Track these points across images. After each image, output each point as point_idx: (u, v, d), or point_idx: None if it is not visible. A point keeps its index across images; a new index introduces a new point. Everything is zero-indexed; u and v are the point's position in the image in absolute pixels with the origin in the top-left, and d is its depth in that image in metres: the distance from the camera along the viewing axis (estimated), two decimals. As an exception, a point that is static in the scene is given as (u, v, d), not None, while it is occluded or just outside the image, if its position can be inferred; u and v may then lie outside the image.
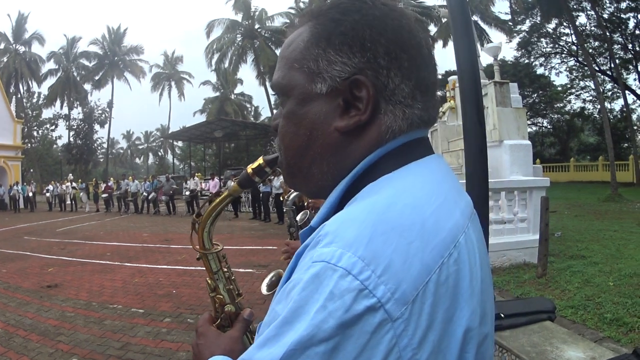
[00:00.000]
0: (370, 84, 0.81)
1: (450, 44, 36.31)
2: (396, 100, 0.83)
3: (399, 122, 0.83)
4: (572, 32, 38.15)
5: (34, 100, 62.74)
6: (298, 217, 3.61)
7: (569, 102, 47.70)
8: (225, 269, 1.32)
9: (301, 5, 47.20)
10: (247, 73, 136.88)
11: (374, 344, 0.62)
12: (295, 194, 3.42)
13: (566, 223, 14.10)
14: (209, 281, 1.30)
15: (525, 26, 42.89)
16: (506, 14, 42.87)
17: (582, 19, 38.34)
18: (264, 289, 2.38)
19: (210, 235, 1.29)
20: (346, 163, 0.85)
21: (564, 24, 39.03)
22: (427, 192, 0.77)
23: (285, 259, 3.13)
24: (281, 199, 6.88)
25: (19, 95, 57.89)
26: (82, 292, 8.87)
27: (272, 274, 2.47)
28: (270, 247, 13.07)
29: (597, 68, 37.42)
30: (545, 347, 3.85)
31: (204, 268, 1.30)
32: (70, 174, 43.07)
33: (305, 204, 3.69)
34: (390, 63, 0.82)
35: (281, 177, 16.85)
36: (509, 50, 44.20)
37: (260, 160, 1.17)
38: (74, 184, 34.61)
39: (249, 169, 1.19)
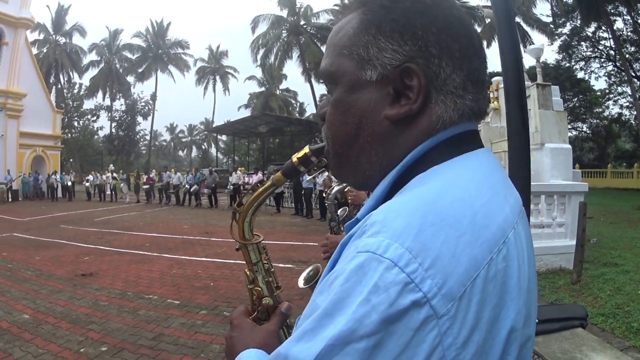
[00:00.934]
0: (421, 72, 0.80)
1: (494, 44, 35.93)
2: (447, 90, 0.81)
3: (450, 113, 0.82)
4: (610, 36, 38.46)
5: (75, 91, 64.48)
6: (339, 212, 3.61)
7: (607, 107, 47.51)
8: (265, 261, 1.29)
9: (346, 2, 47.19)
10: (292, 69, 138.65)
11: (417, 342, 0.60)
12: (337, 188, 3.48)
13: (601, 230, 14.03)
14: (248, 272, 1.27)
15: (566, 29, 42.89)
16: (547, 16, 42.93)
17: (619, 23, 38.47)
18: (300, 283, 2.32)
19: (251, 226, 1.27)
20: (395, 153, 0.84)
21: (602, 28, 39.13)
22: (478, 185, 0.76)
23: (324, 252, 3.14)
24: (324, 195, 6.78)
25: (59, 86, 59.51)
26: (118, 281, 8.90)
27: (310, 268, 2.35)
28: (311, 244, 12.96)
29: (633, 74, 37.50)
30: (575, 354, 4.11)
31: (243, 259, 1.28)
32: (111, 165, 43.92)
33: (349, 200, 3.67)
34: (441, 52, 0.81)
35: (325, 173, 17.21)
36: (551, 53, 43.83)
37: (306, 150, 1.16)
38: (115, 175, 35.15)
39: (294, 158, 1.17)
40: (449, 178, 0.76)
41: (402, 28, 0.81)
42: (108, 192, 33.83)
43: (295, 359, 0.65)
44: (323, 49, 49.68)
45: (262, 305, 1.22)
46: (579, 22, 40.21)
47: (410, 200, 0.71)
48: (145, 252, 12.07)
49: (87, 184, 35.03)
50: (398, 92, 0.82)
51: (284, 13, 50.20)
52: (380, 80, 0.82)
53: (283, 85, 66.57)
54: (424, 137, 0.82)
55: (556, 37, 43.02)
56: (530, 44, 36.00)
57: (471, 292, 0.63)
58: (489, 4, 36.64)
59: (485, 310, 0.64)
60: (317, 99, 51.99)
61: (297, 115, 65.44)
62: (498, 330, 0.66)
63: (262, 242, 1.29)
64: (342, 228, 3.33)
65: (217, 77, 72.17)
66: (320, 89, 65.41)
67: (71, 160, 59.11)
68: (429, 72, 0.80)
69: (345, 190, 3.65)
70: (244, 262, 1.27)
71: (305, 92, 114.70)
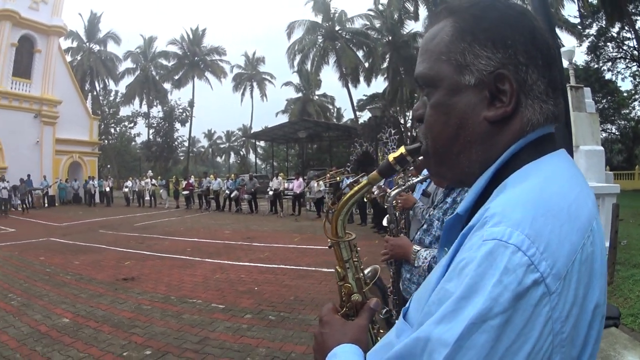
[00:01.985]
0: (512, 78, 0.89)
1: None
2: (534, 96, 0.90)
3: (537, 116, 0.91)
4: (633, 36, 38.64)
5: (111, 98, 65.90)
6: (384, 221, 3.69)
7: (633, 108, 47.25)
8: (355, 259, 1.33)
9: (380, 7, 48.01)
10: (329, 74, 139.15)
11: (536, 315, 0.70)
12: (396, 191, 3.51)
13: (631, 231, 14.08)
14: (339, 269, 1.32)
15: (593, 30, 42.71)
16: (575, 17, 42.66)
17: (640, 23, 38.42)
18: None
19: (344, 224, 1.32)
20: (492, 151, 0.93)
21: (626, 28, 39.15)
22: (569, 182, 0.87)
23: (384, 254, 3.16)
24: (364, 200, 6.82)
25: (95, 93, 60.65)
26: (161, 285, 8.91)
27: (368, 269, 2.17)
28: None
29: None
30: (609, 352, 4.39)
31: (335, 256, 1.32)
32: (150, 171, 44.36)
33: (390, 204, 3.55)
34: (528, 60, 0.89)
35: (365, 178, 17.80)
36: (580, 54, 43.34)
37: (402, 150, 1.19)
38: (154, 181, 35.55)
39: (391, 157, 1.20)
40: (546, 176, 0.85)
41: (494, 37, 0.90)
42: (147, 197, 34.39)
43: (439, 340, 0.72)
44: (359, 54, 49.90)
45: (351, 301, 1.27)
46: (604, 22, 40.34)
47: (520, 195, 0.81)
48: (188, 257, 12.12)
49: (126, 190, 35.78)
50: (493, 96, 0.90)
51: (319, 19, 50.41)
52: (477, 84, 0.91)
53: (320, 91, 66.67)
54: (515, 138, 0.91)
55: (584, 38, 42.98)
56: (560, 46, 35.85)
57: (571, 272, 0.74)
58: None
59: (580, 288, 0.74)
60: (355, 103, 52.08)
61: (334, 120, 65.52)
62: (587, 306, 0.76)
63: (355, 238, 1.32)
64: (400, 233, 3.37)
65: (254, 84, 72.62)
66: (357, 94, 65.36)
67: (108, 166, 60.13)
68: (518, 78, 0.89)
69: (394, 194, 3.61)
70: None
71: (341, 97, 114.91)
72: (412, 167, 2.84)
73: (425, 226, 2.98)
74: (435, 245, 2.83)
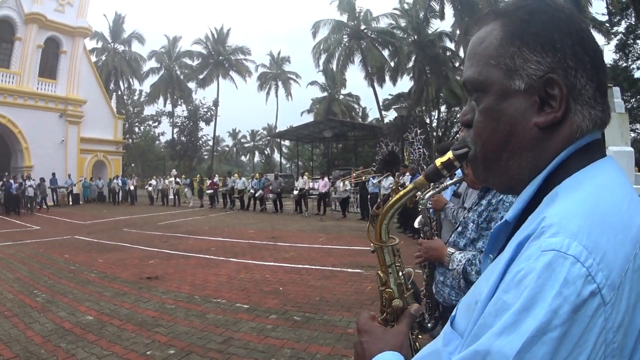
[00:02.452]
0: (562, 83, 0.89)
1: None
2: (583, 101, 0.90)
3: (586, 122, 0.91)
4: None
5: (135, 98, 66.79)
6: (415, 224, 3.73)
7: None
8: (398, 264, 1.34)
9: (405, 6, 47.71)
10: (354, 74, 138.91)
11: (591, 326, 0.70)
12: (430, 192, 3.56)
13: None
14: (381, 274, 1.32)
15: (622, 27, 41.73)
16: (603, 14, 41.72)
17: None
18: None
19: (388, 229, 1.32)
20: (542, 158, 0.93)
21: None
22: (621, 191, 0.86)
23: (418, 257, 3.18)
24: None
25: (120, 92, 61.43)
26: (185, 285, 8.95)
27: (401, 272, 2.17)
28: None
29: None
30: None
31: (377, 261, 1.33)
32: (174, 170, 44.67)
33: (419, 208, 3.58)
34: (577, 64, 0.89)
35: (390, 178, 17.40)
36: (607, 53, 42.36)
37: (449, 154, 1.17)
38: (178, 180, 35.81)
39: (438, 162, 1.20)
40: (598, 185, 0.85)
41: (543, 41, 0.90)
42: (171, 196, 34.70)
43: (500, 353, 0.72)
44: (385, 53, 49.68)
45: (391, 307, 1.27)
46: (633, 19, 39.63)
47: (576, 205, 0.81)
48: (212, 257, 12.16)
49: (150, 189, 36.19)
50: (542, 101, 0.91)
51: (344, 18, 50.27)
52: (527, 89, 0.91)
53: (345, 90, 66.57)
54: (565, 144, 0.91)
55: (612, 36, 42.08)
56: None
57: (624, 282, 0.74)
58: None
59: (632, 297, 0.74)
60: (380, 103, 52.00)
61: (359, 120, 65.38)
62: (637, 315, 0.75)
63: (398, 243, 1.34)
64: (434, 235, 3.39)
65: (279, 83, 73.01)
66: (383, 93, 64.95)
67: (133, 165, 60.76)
68: (567, 83, 0.89)
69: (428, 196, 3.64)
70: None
71: (367, 96, 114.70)
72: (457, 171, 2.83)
73: (459, 228, 2.98)
74: (469, 247, 2.83)
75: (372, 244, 1.32)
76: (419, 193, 3.31)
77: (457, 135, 38.92)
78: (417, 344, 1.30)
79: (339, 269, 10.06)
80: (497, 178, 1.01)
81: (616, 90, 12.69)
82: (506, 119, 0.93)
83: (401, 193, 1.27)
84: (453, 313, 1.02)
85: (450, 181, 3.64)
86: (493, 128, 0.96)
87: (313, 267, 10.29)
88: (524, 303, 0.72)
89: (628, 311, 0.73)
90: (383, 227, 1.29)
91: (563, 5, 0.95)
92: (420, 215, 3.49)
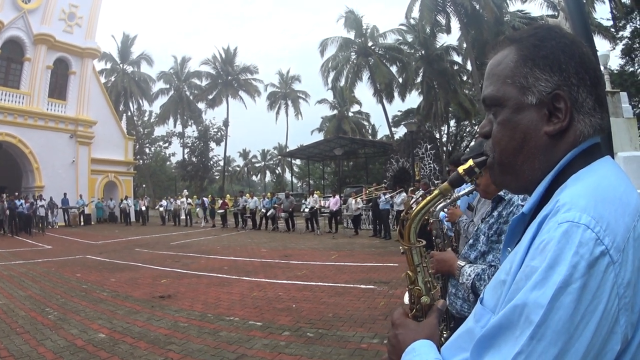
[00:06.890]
0: (567, 97, 1.07)
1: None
2: (584, 112, 1.09)
3: (587, 129, 1.09)
4: None
5: (145, 118, 67.27)
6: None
7: None
8: (425, 264, 1.42)
9: (412, 21, 47.66)
10: (363, 91, 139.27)
11: (605, 280, 0.86)
12: (443, 204, 3.65)
13: None
14: (410, 274, 1.42)
15: (627, 32, 41.38)
16: (607, 19, 41.61)
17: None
18: (406, 299, 2.23)
19: (417, 231, 1.42)
20: (551, 160, 1.10)
21: None
22: (618, 179, 1.04)
23: (434, 273, 3.14)
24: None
25: (129, 113, 61.71)
26: (197, 303, 8.93)
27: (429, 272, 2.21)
28: (391, 264, 12.97)
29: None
30: None
31: (406, 261, 1.42)
32: (185, 190, 44.83)
33: (432, 220, 3.85)
34: (579, 81, 1.08)
35: (403, 194, 17.65)
36: (614, 58, 41.92)
37: (470, 162, 1.33)
38: (189, 200, 35.88)
39: (460, 169, 1.35)
40: (599, 175, 1.03)
41: (551, 62, 1.08)
42: (183, 216, 34.78)
43: (535, 303, 0.87)
44: (393, 69, 49.78)
45: (420, 303, 1.37)
46: (638, 22, 39.44)
47: (582, 188, 0.99)
48: (224, 275, 12.15)
49: (161, 209, 36.24)
50: (550, 113, 1.09)
51: (351, 35, 50.36)
52: (538, 103, 1.09)
53: (355, 108, 66.70)
54: (570, 147, 1.09)
55: (617, 40, 41.68)
56: (593, 50, 35.42)
57: (628, 246, 0.90)
58: (551, 12, 36.09)
59: (636, 260, 0.91)
60: (390, 119, 51.83)
61: (370, 137, 65.43)
62: None
63: (425, 244, 1.43)
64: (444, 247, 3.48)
65: (289, 102, 73.29)
66: (392, 109, 65.00)
67: (144, 185, 60.98)
68: (571, 97, 1.07)
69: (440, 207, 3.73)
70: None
71: (376, 113, 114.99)
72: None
73: (471, 241, 2.96)
74: (480, 261, 2.81)
75: (401, 247, 1.45)
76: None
77: (467, 149, 38.88)
78: (443, 335, 1.35)
79: (351, 285, 10.04)
80: (514, 180, 1.19)
81: (623, 95, 13.21)
82: (521, 129, 1.11)
83: (428, 199, 1.38)
84: (481, 296, 1.19)
85: (464, 191, 3.63)
86: (510, 136, 1.14)
87: (326, 284, 10.28)
88: (549, 262, 0.88)
89: (634, 271, 0.90)
90: (412, 230, 1.40)
91: (568, 32, 1.14)
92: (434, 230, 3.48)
